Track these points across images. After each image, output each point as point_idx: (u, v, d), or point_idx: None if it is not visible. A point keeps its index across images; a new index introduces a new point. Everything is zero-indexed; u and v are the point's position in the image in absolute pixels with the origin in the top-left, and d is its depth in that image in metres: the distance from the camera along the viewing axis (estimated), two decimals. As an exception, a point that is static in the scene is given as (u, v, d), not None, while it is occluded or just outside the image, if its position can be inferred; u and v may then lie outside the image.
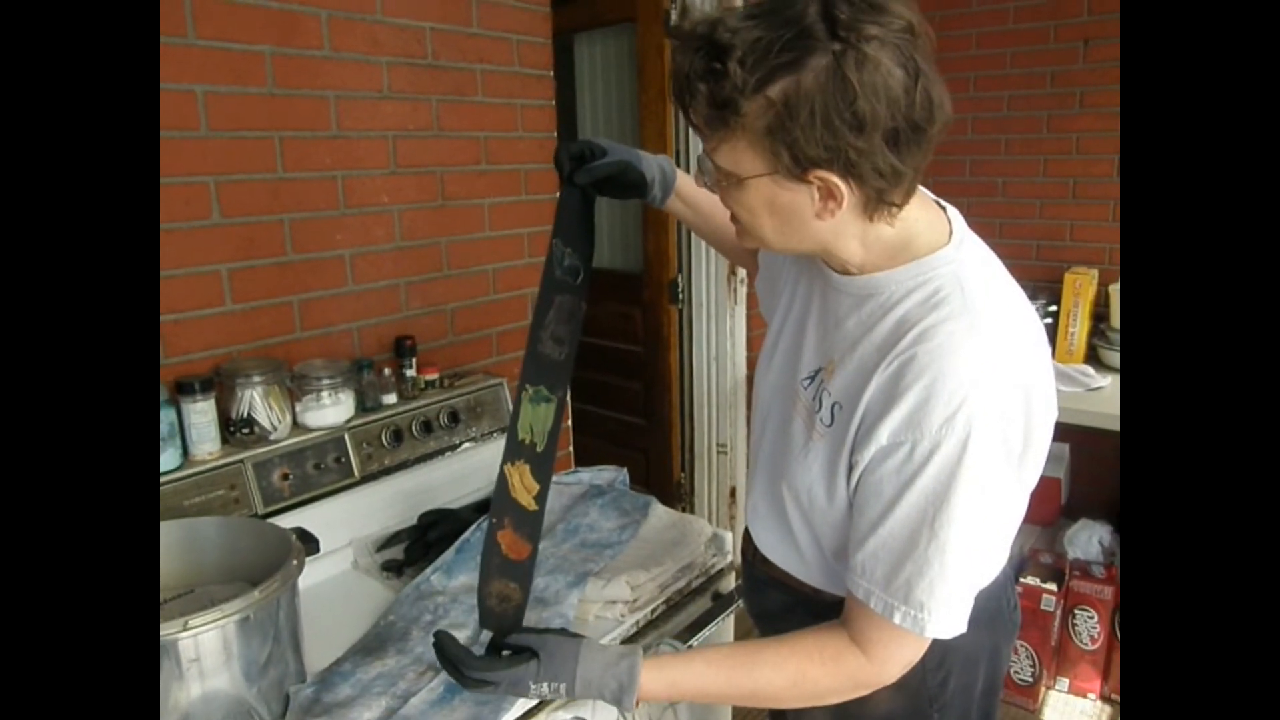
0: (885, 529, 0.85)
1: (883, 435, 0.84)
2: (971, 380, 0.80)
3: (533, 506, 1.05)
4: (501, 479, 1.05)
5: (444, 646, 0.96)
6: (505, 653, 0.97)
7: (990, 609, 1.01)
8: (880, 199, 0.82)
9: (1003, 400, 0.82)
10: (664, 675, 0.93)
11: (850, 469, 0.89)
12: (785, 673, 0.92)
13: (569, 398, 2.27)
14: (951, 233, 0.91)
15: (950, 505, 0.81)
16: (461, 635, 1.25)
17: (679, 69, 0.80)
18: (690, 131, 2.72)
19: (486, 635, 1.04)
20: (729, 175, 0.84)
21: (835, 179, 0.80)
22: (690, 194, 1.22)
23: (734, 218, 0.91)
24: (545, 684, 0.94)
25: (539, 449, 1.06)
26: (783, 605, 1.09)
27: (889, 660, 0.89)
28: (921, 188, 0.91)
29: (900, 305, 0.88)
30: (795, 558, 1.04)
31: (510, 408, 1.83)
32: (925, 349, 0.82)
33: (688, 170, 1.20)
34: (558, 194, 1.17)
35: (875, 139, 0.76)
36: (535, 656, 0.94)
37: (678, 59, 0.80)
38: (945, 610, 0.84)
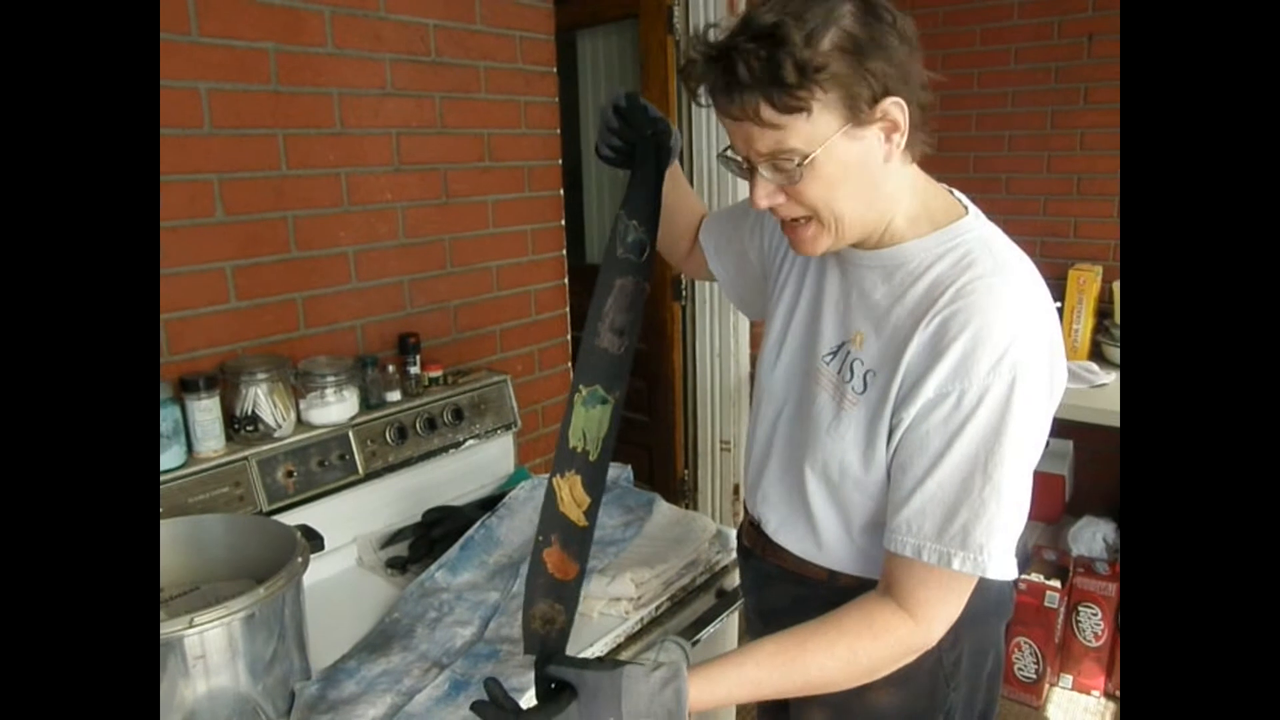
0: (934, 480, 0.86)
1: (929, 389, 0.86)
2: (1015, 326, 0.84)
3: (583, 522, 0.99)
4: (550, 493, 0.99)
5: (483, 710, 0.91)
6: (552, 685, 0.92)
7: (996, 586, 1.01)
8: (923, 124, 0.87)
9: (1040, 347, 0.85)
10: (714, 690, 0.89)
11: (891, 431, 0.91)
12: (837, 656, 0.90)
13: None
14: (967, 208, 0.97)
15: (1002, 447, 0.83)
16: (466, 631, 1.25)
17: (730, 76, 0.82)
18: (693, 126, 2.72)
19: (525, 658, 0.98)
20: (802, 156, 0.84)
21: (899, 103, 0.84)
22: (669, 181, 1.22)
23: (798, 226, 0.92)
24: None
25: (592, 458, 1.00)
26: (792, 599, 1.08)
27: (935, 619, 0.89)
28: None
29: (931, 270, 0.91)
30: (810, 541, 1.04)
31: (514, 405, 1.84)
32: (966, 303, 0.86)
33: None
34: (602, 156, 1.15)
35: (913, 53, 0.84)
36: (575, 697, 0.88)
37: (720, 67, 0.83)
38: (1002, 552, 0.85)
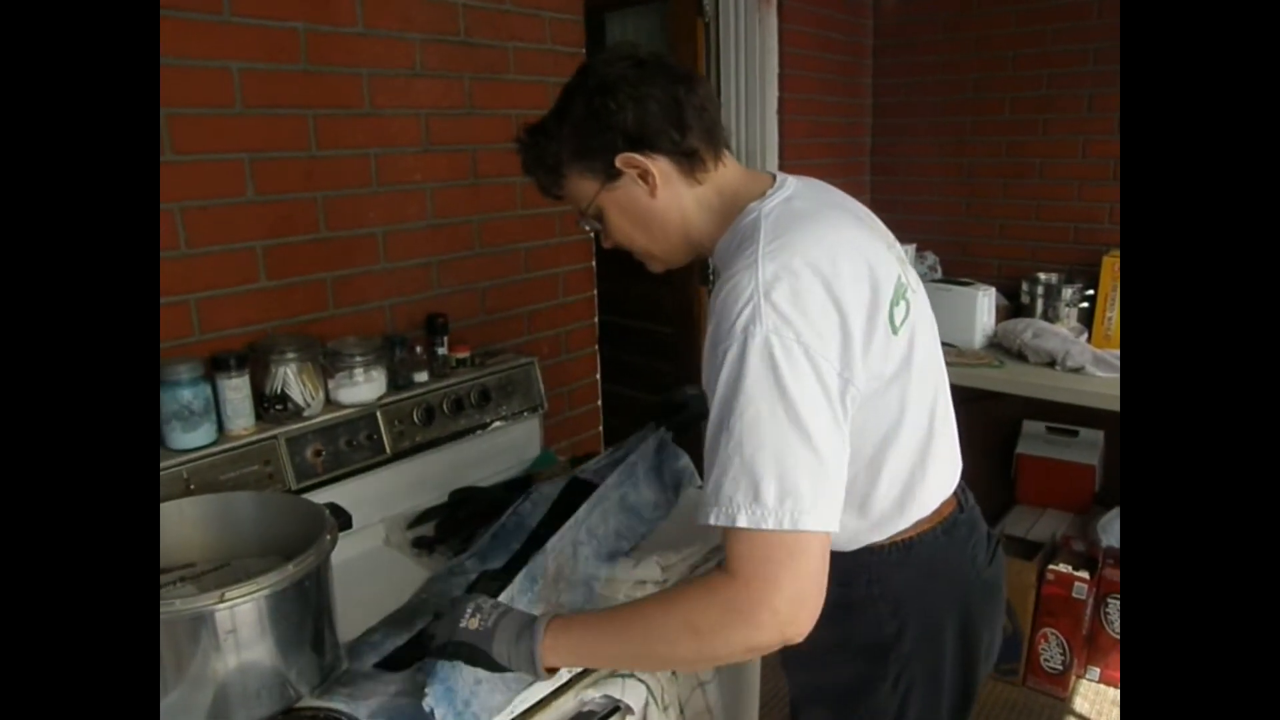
0: (706, 447, 0.92)
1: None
2: (750, 293, 0.90)
3: None
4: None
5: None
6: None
7: (952, 566, 1.09)
8: (679, 151, 1.02)
9: (781, 304, 0.89)
10: (567, 643, 0.97)
11: None
12: (672, 612, 0.92)
13: (599, 377, 2.29)
14: (765, 193, 1.04)
15: (737, 405, 0.88)
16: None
17: (526, 170, 1.13)
18: (720, 92, 2.71)
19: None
20: (593, 210, 1.09)
21: (635, 156, 1.02)
22: None
23: (632, 253, 1.15)
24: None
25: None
26: None
27: (753, 577, 0.87)
28: (785, 174, 1.08)
29: (725, 262, 1.01)
30: None
31: (541, 387, 1.86)
32: (718, 301, 0.94)
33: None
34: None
35: (632, 110, 1.00)
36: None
37: (522, 157, 1.13)
38: (755, 504, 0.86)
